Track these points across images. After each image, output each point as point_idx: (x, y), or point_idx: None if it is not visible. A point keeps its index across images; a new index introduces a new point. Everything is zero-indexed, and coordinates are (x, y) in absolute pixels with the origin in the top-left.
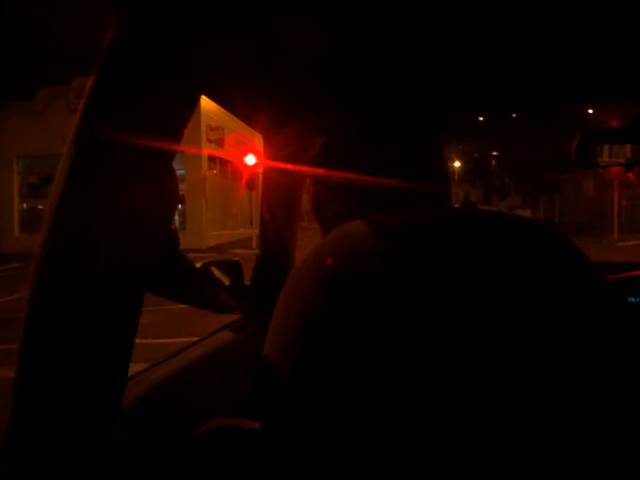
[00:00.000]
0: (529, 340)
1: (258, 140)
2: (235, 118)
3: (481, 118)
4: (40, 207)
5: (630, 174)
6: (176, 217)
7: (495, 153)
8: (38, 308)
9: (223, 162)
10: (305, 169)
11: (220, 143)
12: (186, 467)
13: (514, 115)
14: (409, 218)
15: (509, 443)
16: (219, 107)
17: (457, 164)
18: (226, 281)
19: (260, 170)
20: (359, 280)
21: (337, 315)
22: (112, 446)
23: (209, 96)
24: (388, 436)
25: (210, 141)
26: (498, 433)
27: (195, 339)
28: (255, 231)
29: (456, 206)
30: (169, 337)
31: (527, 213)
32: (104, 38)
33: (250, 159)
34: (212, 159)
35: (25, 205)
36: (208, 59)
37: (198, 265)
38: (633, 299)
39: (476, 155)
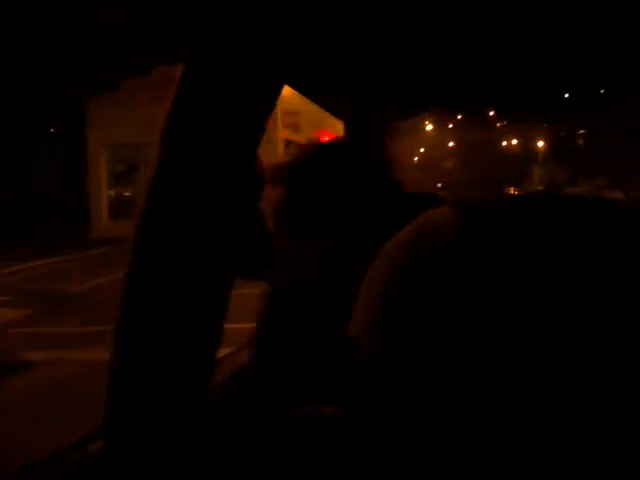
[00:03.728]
0: (618, 335)
1: (333, 123)
2: (311, 102)
3: (567, 95)
4: (127, 194)
5: None
6: None
7: (582, 131)
8: (134, 291)
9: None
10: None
11: (296, 128)
12: (274, 452)
13: (602, 91)
14: (493, 202)
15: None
16: (295, 92)
17: (540, 144)
18: None
19: None
20: (448, 265)
21: (431, 300)
22: (197, 429)
23: (292, 86)
24: (483, 423)
25: (286, 126)
26: (592, 426)
27: None
28: None
29: (539, 188)
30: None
31: (618, 195)
32: (188, 33)
33: None
34: (287, 144)
35: (113, 192)
36: (291, 51)
37: None
38: None
39: (561, 134)
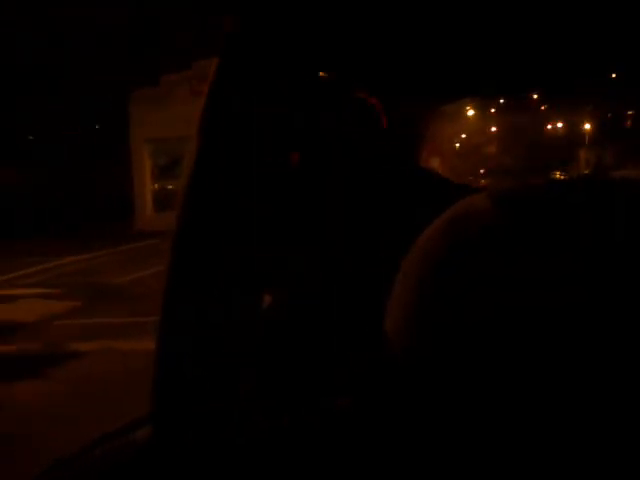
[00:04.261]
0: None
1: None
2: None
3: (614, 75)
4: (170, 187)
5: None
6: None
7: (630, 112)
8: (175, 281)
9: None
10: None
11: None
12: (277, 450)
13: None
14: (531, 189)
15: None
16: None
17: (587, 126)
18: None
19: None
20: (484, 256)
21: (465, 291)
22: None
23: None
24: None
25: None
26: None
27: None
28: None
29: (586, 172)
30: None
31: None
32: (220, 29)
33: None
34: None
35: (156, 186)
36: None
37: None
38: None
39: (609, 116)
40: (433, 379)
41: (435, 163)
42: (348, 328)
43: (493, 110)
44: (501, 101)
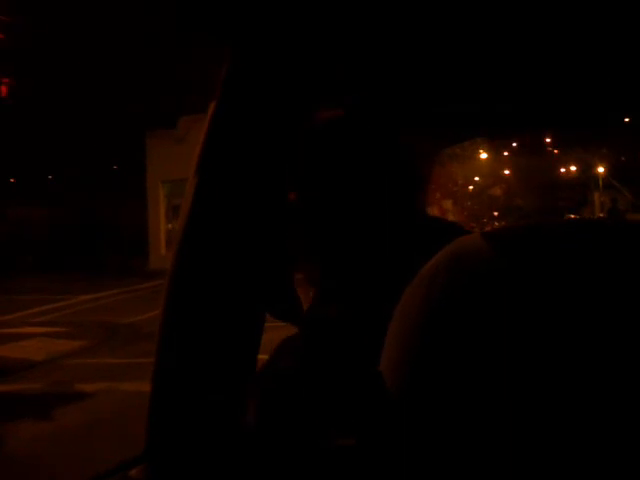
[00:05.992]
0: None
1: None
2: None
3: (627, 119)
4: None
5: None
6: None
7: None
8: (169, 322)
9: None
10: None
11: None
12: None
13: None
14: (531, 230)
15: None
16: None
17: (600, 170)
18: None
19: None
20: (480, 298)
21: (457, 331)
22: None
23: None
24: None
25: None
26: None
27: None
28: None
29: (601, 215)
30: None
31: None
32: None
33: None
34: None
35: (170, 226)
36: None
37: None
38: None
39: (622, 159)
40: (425, 422)
41: (448, 205)
42: (349, 368)
43: (506, 153)
44: (514, 144)
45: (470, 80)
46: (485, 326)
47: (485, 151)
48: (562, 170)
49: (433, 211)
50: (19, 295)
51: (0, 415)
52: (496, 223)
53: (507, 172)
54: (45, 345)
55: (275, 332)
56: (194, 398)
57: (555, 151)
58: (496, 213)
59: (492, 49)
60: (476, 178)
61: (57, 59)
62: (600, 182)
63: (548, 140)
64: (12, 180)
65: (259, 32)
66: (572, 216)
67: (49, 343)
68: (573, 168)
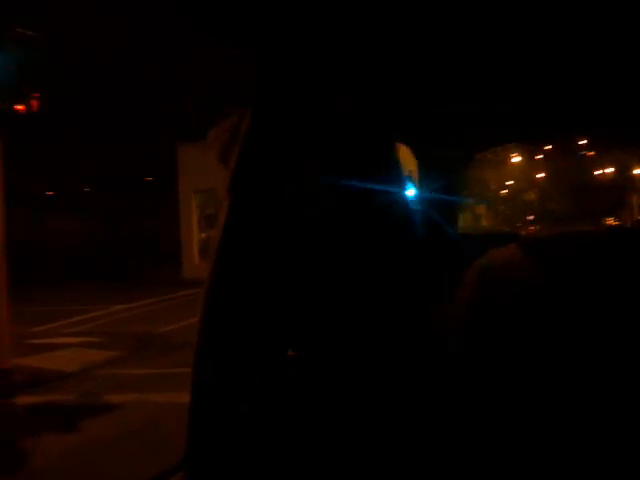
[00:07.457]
0: None
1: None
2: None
3: None
4: None
5: None
6: None
7: None
8: (208, 333)
9: None
10: None
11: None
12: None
13: None
14: (568, 239)
15: None
16: None
17: (638, 171)
18: None
19: None
20: (517, 312)
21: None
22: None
23: None
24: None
25: None
26: None
27: None
28: None
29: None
30: None
31: None
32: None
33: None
34: None
35: (203, 235)
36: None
37: None
38: None
39: None
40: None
41: (481, 210)
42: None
43: (540, 156)
44: (548, 147)
45: (503, 81)
46: (520, 337)
47: (518, 154)
48: (598, 172)
49: (466, 217)
50: (54, 306)
51: (31, 427)
52: (531, 227)
53: (541, 175)
54: (78, 355)
55: None
56: (232, 406)
57: (590, 153)
58: (530, 217)
59: (521, 51)
60: (509, 182)
61: (92, 72)
62: (638, 184)
63: (583, 142)
64: (50, 193)
65: (285, 42)
66: (609, 220)
67: (82, 354)
68: (609, 170)
